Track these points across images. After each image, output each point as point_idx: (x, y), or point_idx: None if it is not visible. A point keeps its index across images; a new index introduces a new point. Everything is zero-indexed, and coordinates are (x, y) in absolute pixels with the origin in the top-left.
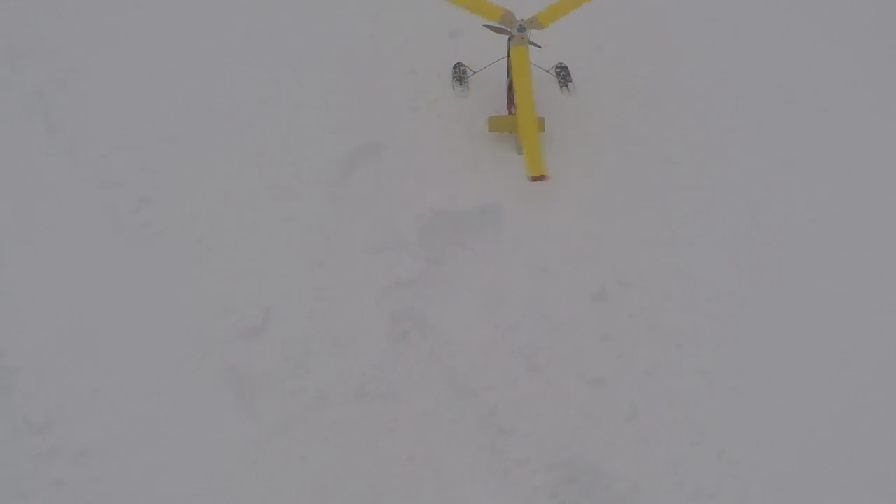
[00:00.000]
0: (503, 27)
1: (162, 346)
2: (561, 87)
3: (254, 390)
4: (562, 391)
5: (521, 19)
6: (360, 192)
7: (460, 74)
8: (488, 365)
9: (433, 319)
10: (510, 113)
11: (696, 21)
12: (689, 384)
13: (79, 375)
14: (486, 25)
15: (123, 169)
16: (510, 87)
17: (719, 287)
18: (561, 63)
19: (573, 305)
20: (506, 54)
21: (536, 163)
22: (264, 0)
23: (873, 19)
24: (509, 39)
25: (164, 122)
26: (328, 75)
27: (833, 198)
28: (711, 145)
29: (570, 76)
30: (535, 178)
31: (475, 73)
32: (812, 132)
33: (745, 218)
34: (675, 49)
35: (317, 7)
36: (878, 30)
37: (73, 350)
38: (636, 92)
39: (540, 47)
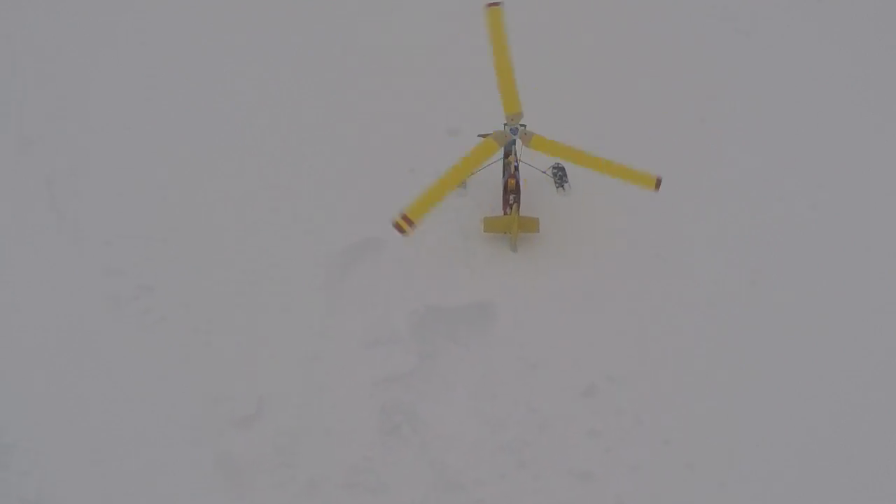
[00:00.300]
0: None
1: (157, 432)
2: (557, 188)
3: (246, 478)
4: (549, 486)
5: (524, 126)
6: (357, 286)
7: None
8: (477, 459)
9: (424, 413)
10: (505, 213)
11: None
12: (677, 479)
13: (74, 457)
14: (480, 135)
15: (126, 257)
16: (505, 188)
17: (707, 382)
18: (558, 163)
19: (562, 400)
20: (501, 156)
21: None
22: (265, 112)
23: (873, 19)
24: (495, 134)
25: (167, 212)
26: (328, 172)
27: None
28: (693, 244)
29: (566, 177)
30: (400, 221)
31: (473, 173)
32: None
33: (733, 308)
34: (668, 150)
35: (318, 104)
36: (877, 30)
37: (70, 432)
38: (629, 191)
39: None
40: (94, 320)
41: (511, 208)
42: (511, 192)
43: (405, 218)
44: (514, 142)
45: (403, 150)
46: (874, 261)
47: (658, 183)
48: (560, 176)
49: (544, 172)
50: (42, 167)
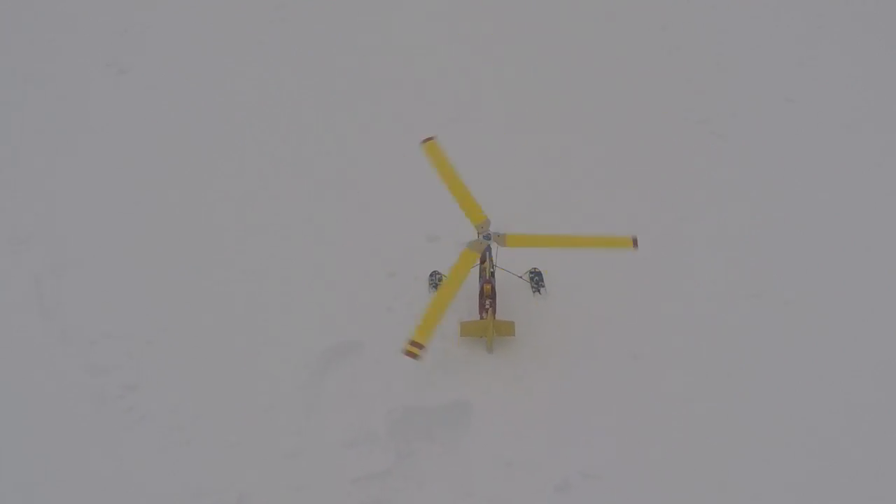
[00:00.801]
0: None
1: None
2: (533, 292)
3: None
4: None
5: (494, 232)
6: (336, 386)
7: (436, 281)
8: None
9: None
10: (482, 317)
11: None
12: None
13: None
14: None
15: (111, 356)
16: (481, 293)
17: (683, 484)
18: (535, 269)
19: (536, 499)
20: (477, 265)
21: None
22: (253, 201)
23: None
24: (469, 243)
25: (153, 313)
26: (308, 275)
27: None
28: (673, 342)
29: (542, 281)
30: (411, 348)
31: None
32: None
33: (708, 413)
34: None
35: (306, 213)
36: (876, 30)
37: None
38: (607, 293)
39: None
40: (77, 418)
41: (487, 312)
42: (487, 297)
43: (414, 343)
44: (488, 248)
45: (383, 255)
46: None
47: (635, 242)
48: (537, 281)
49: (521, 277)
50: (31, 265)
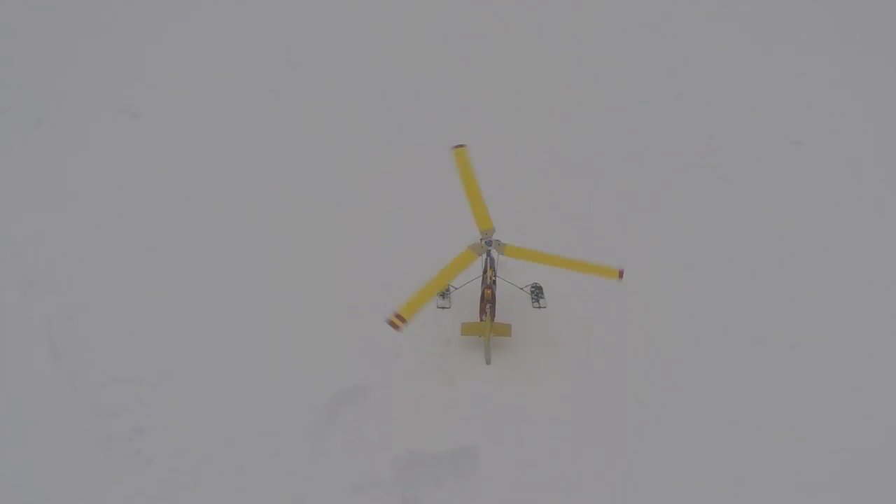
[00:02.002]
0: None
1: None
2: (533, 303)
3: None
4: None
5: (498, 240)
6: (343, 431)
7: (443, 290)
8: None
9: None
10: (481, 319)
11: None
12: None
13: None
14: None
15: (120, 399)
16: (482, 298)
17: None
18: (536, 283)
19: None
20: (481, 273)
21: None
22: (262, 246)
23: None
24: (473, 244)
25: (162, 358)
26: (317, 321)
27: None
28: (679, 384)
29: (542, 294)
30: (395, 319)
31: (456, 288)
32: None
33: (712, 456)
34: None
35: (316, 259)
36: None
37: None
38: (607, 326)
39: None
40: (85, 460)
41: (486, 315)
42: (487, 302)
43: (398, 316)
44: (491, 258)
45: (392, 301)
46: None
47: (621, 274)
48: (537, 294)
49: (522, 289)
50: (42, 308)
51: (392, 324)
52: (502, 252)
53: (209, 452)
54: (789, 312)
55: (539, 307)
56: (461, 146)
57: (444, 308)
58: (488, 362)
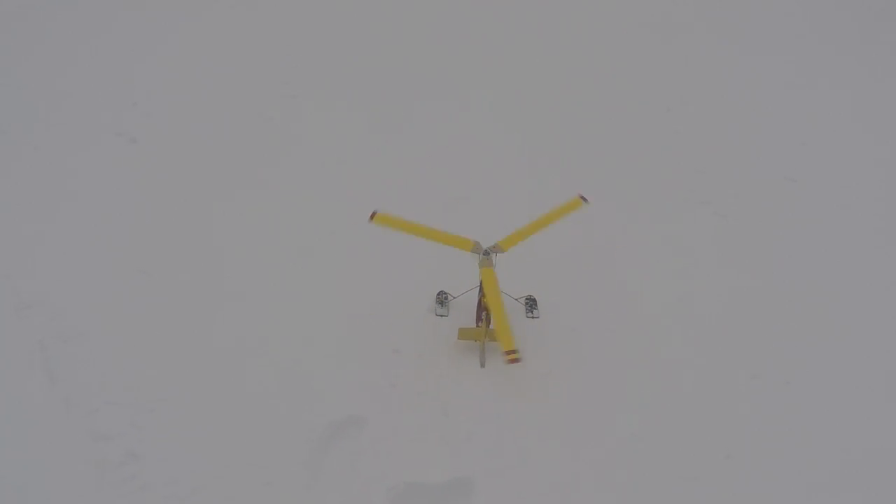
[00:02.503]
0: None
1: None
2: (527, 314)
3: None
4: None
5: (486, 247)
6: (338, 461)
7: (441, 299)
8: None
9: None
10: (477, 325)
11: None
12: None
13: None
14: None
15: (115, 424)
16: (479, 305)
17: None
18: (530, 295)
19: None
20: (478, 283)
21: (508, 341)
22: (258, 274)
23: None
24: (479, 262)
25: (157, 382)
26: (320, 349)
27: None
28: (674, 418)
29: (535, 305)
30: (509, 355)
31: (454, 297)
32: None
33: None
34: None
35: (312, 287)
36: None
37: None
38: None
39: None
40: (79, 485)
41: (482, 321)
42: (484, 309)
43: (509, 353)
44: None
45: (387, 330)
46: None
47: (583, 198)
48: (531, 305)
49: (517, 300)
50: (36, 331)
51: (513, 360)
52: (502, 251)
53: (202, 480)
54: (789, 313)
55: (532, 317)
56: (373, 213)
57: (442, 316)
58: (482, 365)
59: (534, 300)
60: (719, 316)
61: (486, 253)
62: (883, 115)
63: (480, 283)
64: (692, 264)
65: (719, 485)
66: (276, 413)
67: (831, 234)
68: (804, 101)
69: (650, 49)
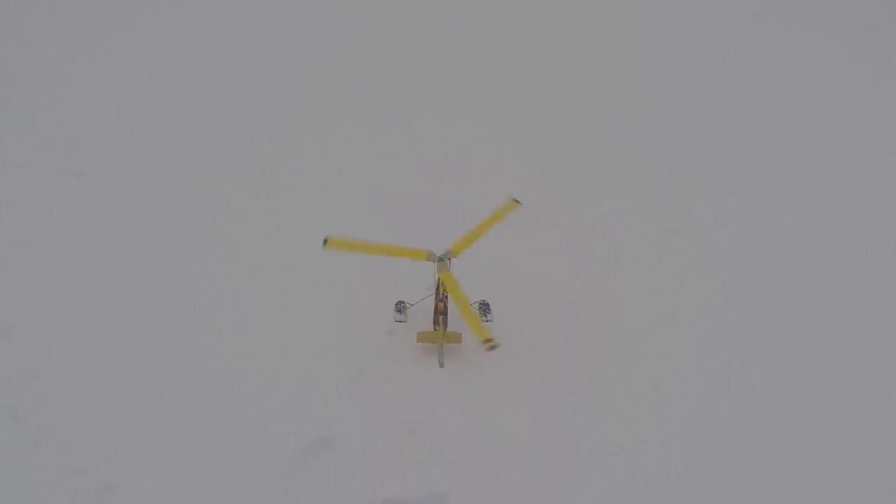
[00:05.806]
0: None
1: None
2: (480, 318)
3: None
4: None
5: (439, 254)
6: (315, 482)
7: (402, 307)
8: None
9: None
10: (434, 329)
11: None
12: None
13: None
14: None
15: (88, 456)
16: (436, 310)
17: None
18: (484, 300)
19: None
20: (433, 290)
21: (481, 331)
22: (223, 302)
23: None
24: (437, 268)
25: (131, 412)
26: (280, 370)
27: None
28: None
29: (489, 310)
30: (487, 343)
31: (412, 305)
32: None
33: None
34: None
35: (274, 315)
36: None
37: None
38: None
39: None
40: None
41: (439, 325)
42: (440, 314)
43: (485, 341)
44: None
45: (350, 352)
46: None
47: (516, 201)
48: (484, 310)
49: (471, 305)
50: (6, 365)
51: (491, 348)
52: (455, 256)
53: None
54: (787, 317)
55: (486, 321)
56: (325, 239)
57: (401, 322)
58: (441, 365)
59: (487, 304)
60: (710, 323)
61: (441, 259)
62: (883, 116)
63: (436, 289)
64: (682, 270)
65: (713, 493)
66: (251, 438)
67: (807, 246)
68: (804, 102)
69: (644, 60)
